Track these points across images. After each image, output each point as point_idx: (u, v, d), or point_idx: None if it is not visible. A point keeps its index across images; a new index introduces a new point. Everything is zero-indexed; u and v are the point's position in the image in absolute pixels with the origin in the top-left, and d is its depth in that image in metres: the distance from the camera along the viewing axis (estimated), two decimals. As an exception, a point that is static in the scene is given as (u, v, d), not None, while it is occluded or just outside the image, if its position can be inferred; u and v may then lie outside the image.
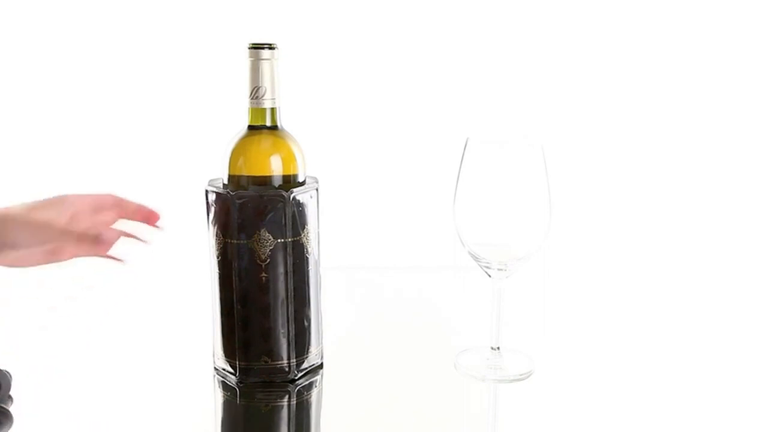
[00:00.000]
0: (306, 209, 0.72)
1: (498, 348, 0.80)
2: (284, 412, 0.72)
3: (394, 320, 0.98)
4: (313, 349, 0.77)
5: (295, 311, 0.73)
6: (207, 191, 0.73)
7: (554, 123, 1.30)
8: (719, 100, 1.31)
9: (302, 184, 0.73)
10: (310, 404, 0.74)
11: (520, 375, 0.79)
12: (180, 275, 1.12)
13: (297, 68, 1.30)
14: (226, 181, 0.73)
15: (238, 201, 0.70)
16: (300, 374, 0.76)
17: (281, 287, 0.72)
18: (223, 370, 0.76)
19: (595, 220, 1.30)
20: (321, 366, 0.79)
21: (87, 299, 1.04)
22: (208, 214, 0.73)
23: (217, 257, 0.73)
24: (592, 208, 1.31)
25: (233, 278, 0.72)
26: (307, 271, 0.74)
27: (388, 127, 1.33)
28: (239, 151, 0.72)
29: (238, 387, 0.74)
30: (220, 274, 0.73)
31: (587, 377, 0.81)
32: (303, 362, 0.76)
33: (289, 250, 0.71)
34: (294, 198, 0.71)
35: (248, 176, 0.71)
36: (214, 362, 0.77)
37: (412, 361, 0.84)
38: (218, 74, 1.29)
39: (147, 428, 0.70)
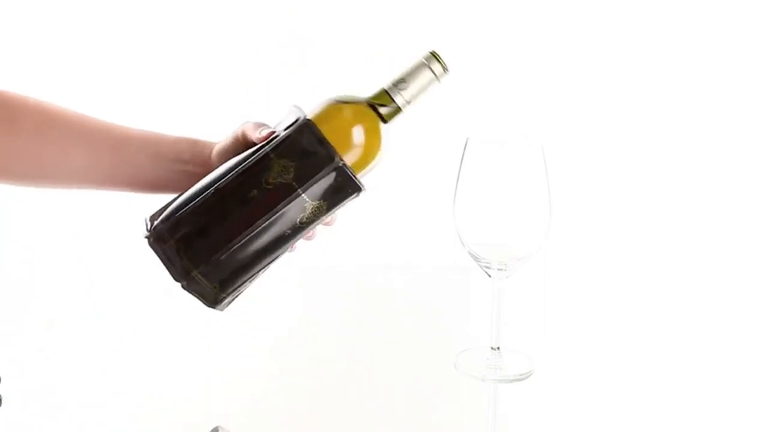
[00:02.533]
0: (329, 186, 0.69)
1: (498, 348, 0.80)
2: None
3: (393, 320, 0.98)
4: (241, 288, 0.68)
5: (256, 247, 0.67)
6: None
7: (554, 123, 1.30)
8: (719, 100, 1.31)
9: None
10: (310, 404, 0.74)
11: (520, 375, 0.78)
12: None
13: (297, 67, 1.30)
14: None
15: (298, 127, 0.67)
16: (223, 305, 0.67)
17: (259, 214, 0.66)
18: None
19: (595, 220, 1.30)
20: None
21: (86, 300, 1.04)
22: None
23: (243, 153, 0.69)
24: (592, 208, 1.31)
25: (232, 171, 0.67)
26: (293, 226, 0.68)
27: (388, 126, 1.33)
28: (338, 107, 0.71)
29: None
30: (229, 166, 0.68)
31: (587, 377, 0.81)
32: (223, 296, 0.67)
33: (293, 197, 0.67)
34: (338, 167, 0.68)
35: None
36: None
37: (412, 361, 0.84)
38: (216, 74, 1.29)
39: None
